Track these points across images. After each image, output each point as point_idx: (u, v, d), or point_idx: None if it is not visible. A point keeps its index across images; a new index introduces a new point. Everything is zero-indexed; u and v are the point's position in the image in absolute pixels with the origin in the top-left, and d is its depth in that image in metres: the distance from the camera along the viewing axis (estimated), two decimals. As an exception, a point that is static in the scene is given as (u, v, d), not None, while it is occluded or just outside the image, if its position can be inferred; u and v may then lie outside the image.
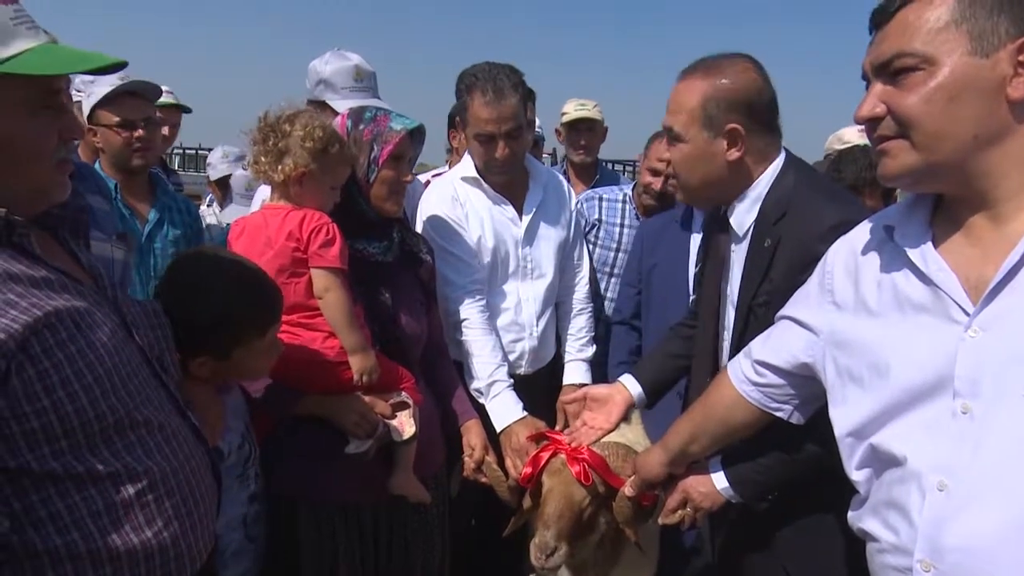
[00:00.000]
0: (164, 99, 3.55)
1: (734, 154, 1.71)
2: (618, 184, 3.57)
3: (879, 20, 1.18)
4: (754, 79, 1.72)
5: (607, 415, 2.11)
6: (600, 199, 3.25)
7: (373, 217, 2.06)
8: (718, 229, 1.91)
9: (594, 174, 3.80)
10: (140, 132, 2.80)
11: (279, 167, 1.86)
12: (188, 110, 4.00)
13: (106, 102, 2.76)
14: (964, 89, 1.09)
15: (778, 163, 1.75)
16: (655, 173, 3.13)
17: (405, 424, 1.98)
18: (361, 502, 1.99)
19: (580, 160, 3.78)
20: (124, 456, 1.18)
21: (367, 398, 1.95)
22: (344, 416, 1.92)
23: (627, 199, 3.27)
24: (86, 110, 2.80)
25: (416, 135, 2.14)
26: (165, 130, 3.56)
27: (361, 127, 2.04)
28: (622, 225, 3.23)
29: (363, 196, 2.04)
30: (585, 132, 3.73)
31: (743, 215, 1.77)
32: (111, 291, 1.32)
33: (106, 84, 2.76)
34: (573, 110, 3.75)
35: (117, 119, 2.76)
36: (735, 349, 1.74)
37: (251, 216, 2.04)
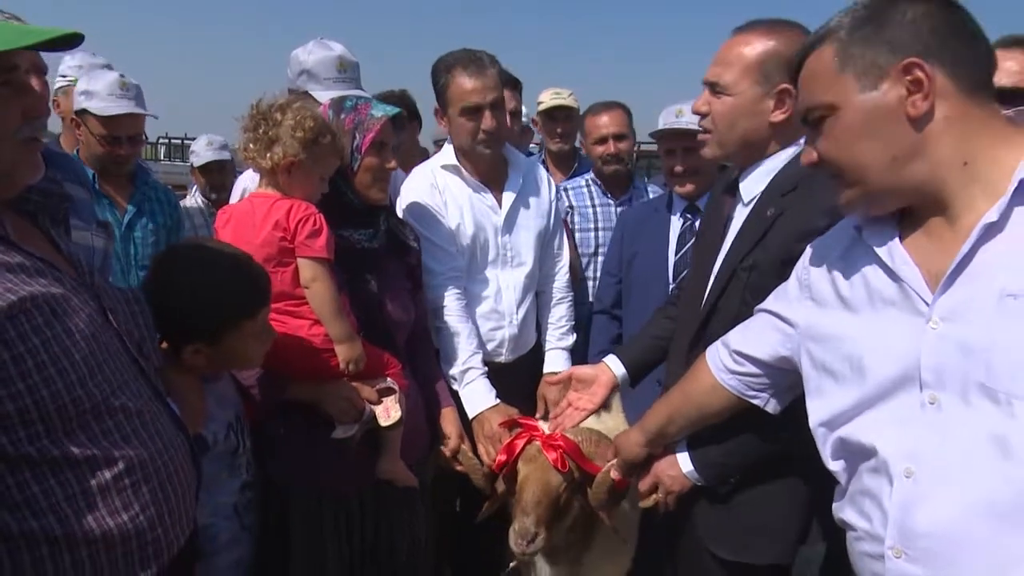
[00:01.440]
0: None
1: (779, 116, 1.70)
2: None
3: (794, 74, 1.29)
4: None
5: (592, 396, 2.14)
6: (565, 189, 3.37)
7: (359, 205, 2.07)
8: (726, 192, 1.91)
9: (572, 162, 3.80)
10: (123, 150, 2.80)
11: (268, 154, 1.87)
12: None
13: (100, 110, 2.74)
14: (866, 124, 1.17)
15: (802, 141, 1.76)
16: (602, 141, 3.30)
17: (391, 409, 2.00)
18: (347, 487, 2.01)
19: (558, 148, 3.78)
20: (101, 441, 1.19)
21: (353, 384, 1.97)
22: (331, 402, 1.94)
23: (590, 183, 3.41)
24: (78, 103, 2.77)
25: (397, 122, 2.14)
26: None
27: (342, 116, 2.04)
28: (593, 206, 3.35)
29: (348, 184, 2.05)
30: (562, 121, 3.73)
31: (755, 183, 1.76)
32: (90, 278, 1.32)
33: (105, 92, 2.74)
34: (549, 99, 3.75)
35: (105, 132, 2.76)
36: (709, 311, 1.77)
37: (238, 204, 2.04)
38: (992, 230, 1.08)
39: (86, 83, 2.78)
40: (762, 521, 1.73)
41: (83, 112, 2.77)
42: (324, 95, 2.40)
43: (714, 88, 1.76)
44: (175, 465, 1.31)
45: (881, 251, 1.21)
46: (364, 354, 1.94)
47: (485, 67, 2.39)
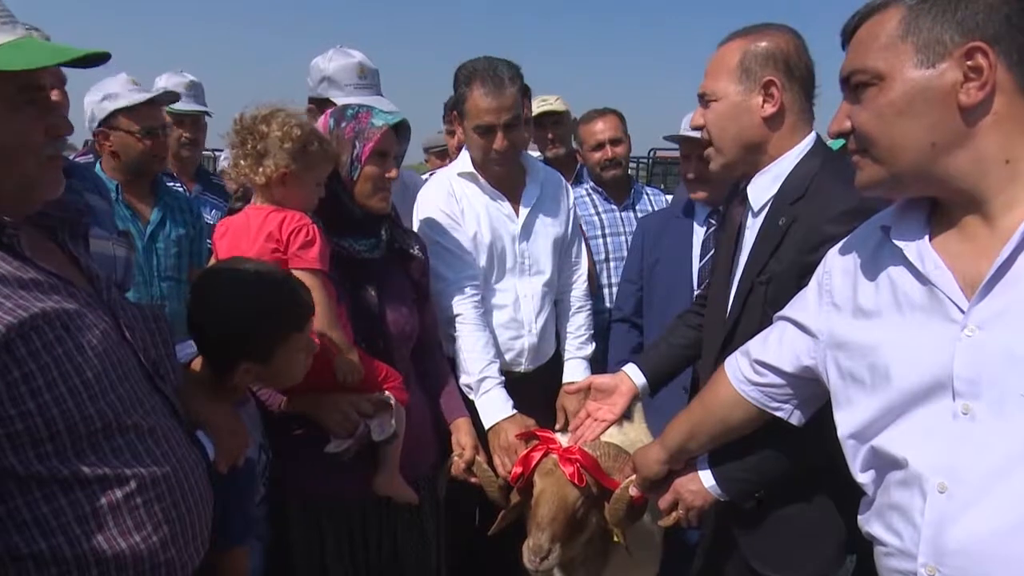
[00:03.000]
0: (190, 107, 3.54)
1: (768, 109, 1.68)
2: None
3: (845, 37, 1.22)
4: (794, 43, 1.70)
5: (612, 406, 2.11)
6: None
7: (359, 215, 2.05)
8: (735, 201, 1.88)
9: (573, 168, 3.72)
10: (161, 141, 2.86)
11: (260, 169, 1.85)
12: (210, 114, 3.82)
13: (128, 109, 2.77)
14: (913, 102, 1.11)
15: (808, 142, 1.72)
16: (599, 147, 3.37)
17: (385, 424, 1.97)
18: (349, 499, 2.00)
19: (553, 155, 3.70)
20: (112, 460, 1.18)
21: (350, 397, 1.94)
22: (327, 415, 1.92)
23: (590, 191, 3.42)
24: (101, 114, 2.79)
25: (401, 130, 2.13)
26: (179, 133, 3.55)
27: (343, 125, 2.03)
28: (597, 213, 3.36)
29: (348, 194, 2.03)
30: (552, 126, 3.67)
31: (762, 190, 1.73)
32: (107, 294, 1.31)
33: (126, 90, 2.77)
34: (536, 107, 3.69)
35: (139, 127, 2.79)
36: (732, 325, 1.74)
37: (235, 217, 2.01)
38: None
39: (102, 90, 2.81)
40: (803, 535, 1.69)
41: (112, 116, 2.78)
42: (345, 101, 2.41)
43: (703, 99, 1.75)
44: (189, 483, 1.29)
45: (910, 253, 1.16)
46: (360, 366, 1.92)
47: (503, 85, 2.36)
